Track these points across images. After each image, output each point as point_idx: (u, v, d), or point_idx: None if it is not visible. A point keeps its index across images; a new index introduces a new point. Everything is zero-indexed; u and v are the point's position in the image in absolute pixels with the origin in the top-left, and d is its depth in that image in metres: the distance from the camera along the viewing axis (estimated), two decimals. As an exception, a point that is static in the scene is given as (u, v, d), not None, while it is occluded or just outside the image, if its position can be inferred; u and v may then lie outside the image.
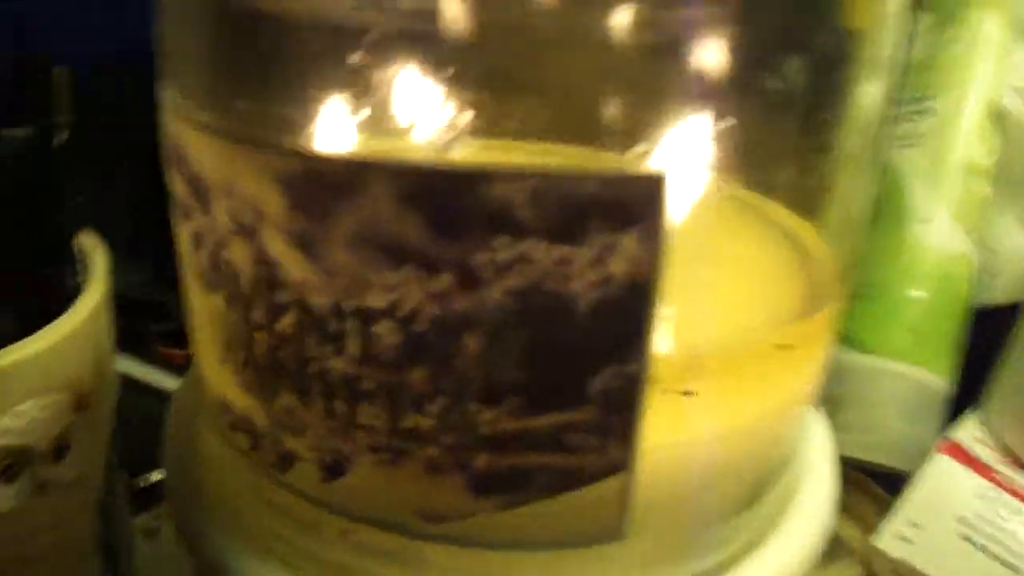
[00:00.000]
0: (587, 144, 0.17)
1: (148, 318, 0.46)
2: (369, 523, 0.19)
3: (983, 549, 0.32)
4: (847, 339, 0.38)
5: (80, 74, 0.28)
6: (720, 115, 0.18)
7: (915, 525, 0.34)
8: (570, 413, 0.17)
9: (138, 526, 0.37)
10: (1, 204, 0.29)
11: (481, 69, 0.16)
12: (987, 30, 0.39)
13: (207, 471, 0.24)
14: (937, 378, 0.38)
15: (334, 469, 0.19)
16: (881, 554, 0.34)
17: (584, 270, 0.16)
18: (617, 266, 0.16)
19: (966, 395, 0.38)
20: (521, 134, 0.17)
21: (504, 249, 0.16)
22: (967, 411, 0.37)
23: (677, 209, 0.17)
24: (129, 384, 0.42)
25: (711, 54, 0.18)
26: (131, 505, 0.34)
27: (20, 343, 0.26)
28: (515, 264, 0.16)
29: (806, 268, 0.23)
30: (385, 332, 0.17)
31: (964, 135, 0.38)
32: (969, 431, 0.36)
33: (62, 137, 0.27)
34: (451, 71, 0.16)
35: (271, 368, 0.19)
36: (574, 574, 0.20)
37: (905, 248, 0.38)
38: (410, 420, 0.18)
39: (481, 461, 0.18)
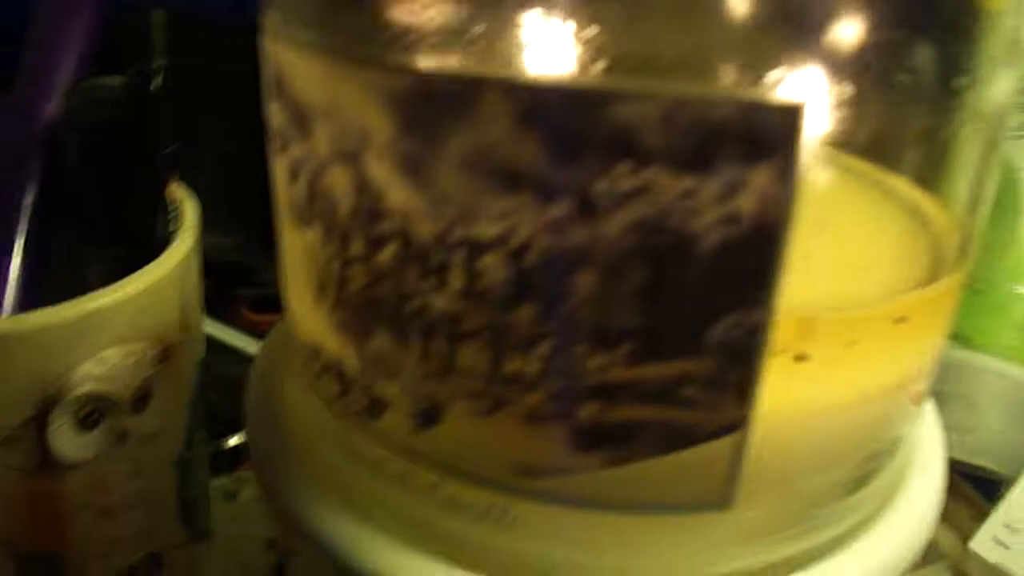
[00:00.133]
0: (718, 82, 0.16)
1: (235, 282, 0.46)
2: (460, 477, 0.18)
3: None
4: (952, 334, 0.36)
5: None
6: (848, 84, 0.17)
7: (1013, 530, 0.33)
8: (685, 363, 0.16)
9: (217, 488, 0.37)
10: (98, 151, 0.29)
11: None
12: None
13: (291, 425, 0.23)
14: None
15: (427, 417, 0.18)
16: (977, 558, 0.32)
17: (710, 204, 0.15)
18: (746, 202, 0.15)
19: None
20: (649, 61, 0.15)
21: (626, 177, 0.15)
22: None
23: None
24: (213, 347, 0.41)
25: (845, 25, 0.17)
26: (212, 466, 0.34)
27: (107, 289, 0.26)
28: (637, 194, 0.15)
29: (926, 239, 0.22)
30: (492, 265, 0.16)
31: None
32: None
33: (157, 82, 0.27)
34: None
35: (366, 306, 0.18)
36: (674, 542, 0.19)
37: (1016, 242, 0.37)
38: (513, 364, 0.17)
39: (587, 412, 0.17)
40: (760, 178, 0.15)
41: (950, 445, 0.36)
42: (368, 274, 0.18)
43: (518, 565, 0.19)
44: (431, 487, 0.19)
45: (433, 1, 0.16)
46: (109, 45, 0.30)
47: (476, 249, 0.16)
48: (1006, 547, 0.32)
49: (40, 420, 0.25)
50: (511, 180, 0.15)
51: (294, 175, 0.19)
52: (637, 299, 0.16)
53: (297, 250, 0.20)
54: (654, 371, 0.16)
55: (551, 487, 0.18)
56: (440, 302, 0.17)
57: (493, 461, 0.18)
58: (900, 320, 0.19)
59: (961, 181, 0.21)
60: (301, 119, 0.18)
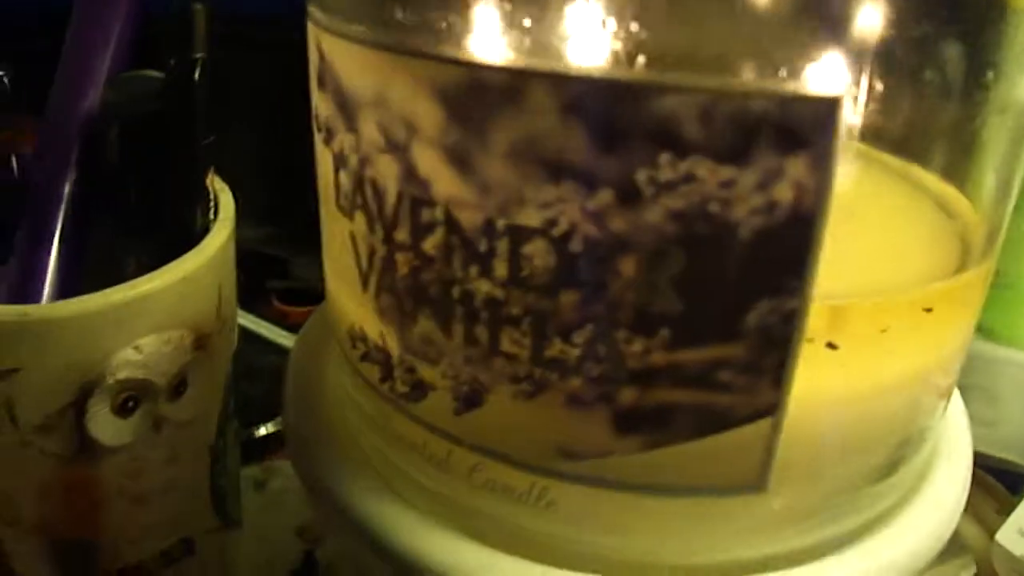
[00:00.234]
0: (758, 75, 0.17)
1: (266, 274, 0.46)
2: (500, 459, 0.19)
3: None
4: (977, 327, 0.36)
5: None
6: (878, 79, 0.18)
7: (1040, 523, 0.33)
8: (722, 348, 0.17)
9: (248, 477, 0.38)
10: (138, 142, 0.29)
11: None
12: None
13: (331, 412, 0.24)
14: (1069, 374, 0.36)
15: (470, 400, 0.18)
16: (1002, 551, 0.32)
17: (748, 194, 0.15)
18: (783, 192, 0.15)
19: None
20: (689, 54, 0.16)
21: (667, 167, 0.15)
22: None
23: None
24: (243, 337, 0.42)
25: (875, 20, 0.17)
26: (242, 456, 0.35)
27: (145, 277, 0.26)
28: (678, 183, 0.15)
29: (954, 231, 0.22)
30: (537, 252, 0.16)
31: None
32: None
33: (197, 74, 0.27)
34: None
35: (412, 292, 0.18)
36: (709, 525, 0.19)
37: (1040, 236, 0.37)
38: (555, 348, 0.17)
39: (626, 396, 0.17)
40: (797, 168, 0.15)
41: (975, 438, 0.36)
42: (413, 260, 0.18)
43: (555, 547, 0.19)
44: (471, 469, 0.19)
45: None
46: (149, 37, 0.31)
47: (521, 236, 0.16)
48: (1033, 541, 0.32)
49: (79, 406, 0.26)
50: (556, 169, 0.16)
51: (340, 165, 0.19)
52: (676, 285, 0.16)
53: (342, 237, 0.20)
54: (691, 356, 0.17)
55: (589, 470, 0.18)
56: (484, 288, 0.17)
57: (533, 444, 0.18)
58: (928, 309, 0.20)
59: (988, 174, 0.22)
60: (348, 110, 0.18)
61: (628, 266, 0.16)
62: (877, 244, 0.21)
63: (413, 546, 0.20)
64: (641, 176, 0.15)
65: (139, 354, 0.26)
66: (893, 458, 0.21)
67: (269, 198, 0.39)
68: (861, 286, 0.19)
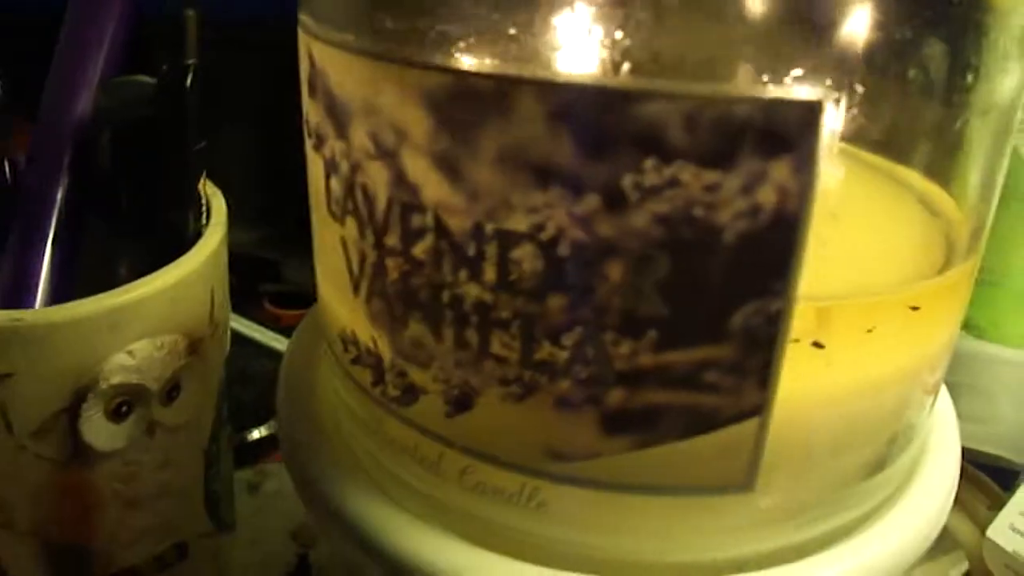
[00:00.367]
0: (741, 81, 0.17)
1: (258, 278, 0.46)
2: (491, 461, 0.19)
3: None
4: (967, 325, 0.37)
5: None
6: (866, 76, 0.18)
7: (1031, 518, 0.33)
8: (709, 350, 0.17)
9: (241, 480, 0.38)
10: (130, 147, 0.29)
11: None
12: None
13: (323, 415, 0.24)
14: (1058, 370, 0.36)
15: (460, 403, 0.19)
16: (994, 546, 0.33)
17: (732, 198, 0.15)
18: (766, 195, 0.16)
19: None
20: (674, 61, 0.16)
21: (653, 172, 0.15)
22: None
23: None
24: (236, 341, 0.42)
25: (858, 22, 0.17)
26: (235, 459, 0.35)
27: (138, 282, 0.26)
28: (663, 188, 0.15)
29: (939, 230, 0.22)
30: (525, 257, 0.16)
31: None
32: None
33: (189, 80, 0.27)
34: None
35: (402, 296, 0.18)
36: (697, 523, 0.19)
37: (1028, 235, 0.37)
38: (543, 351, 0.17)
39: (614, 397, 0.17)
40: (780, 172, 0.15)
41: (966, 435, 0.36)
42: (404, 265, 0.18)
43: (547, 547, 0.20)
44: (462, 472, 0.19)
45: (468, 2, 0.16)
46: (141, 40, 0.31)
47: (509, 241, 0.17)
48: (1023, 535, 0.32)
49: (72, 411, 0.26)
50: (543, 175, 0.16)
51: (331, 171, 0.19)
52: (662, 288, 0.16)
53: (333, 243, 0.20)
54: (678, 357, 0.17)
55: (579, 471, 0.18)
56: (473, 292, 0.17)
57: (523, 446, 0.18)
58: (915, 307, 0.20)
59: (972, 173, 0.22)
60: (338, 116, 0.19)
61: (615, 270, 0.16)
62: (863, 244, 0.22)
63: (405, 548, 0.20)
64: (627, 181, 0.16)
65: (132, 359, 0.26)
66: (881, 456, 0.21)
67: (261, 201, 0.39)
68: (848, 287, 0.19)
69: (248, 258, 0.44)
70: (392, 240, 0.18)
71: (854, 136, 0.19)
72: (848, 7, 0.17)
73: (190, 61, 0.27)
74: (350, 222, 0.19)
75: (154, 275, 0.26)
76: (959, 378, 0.36)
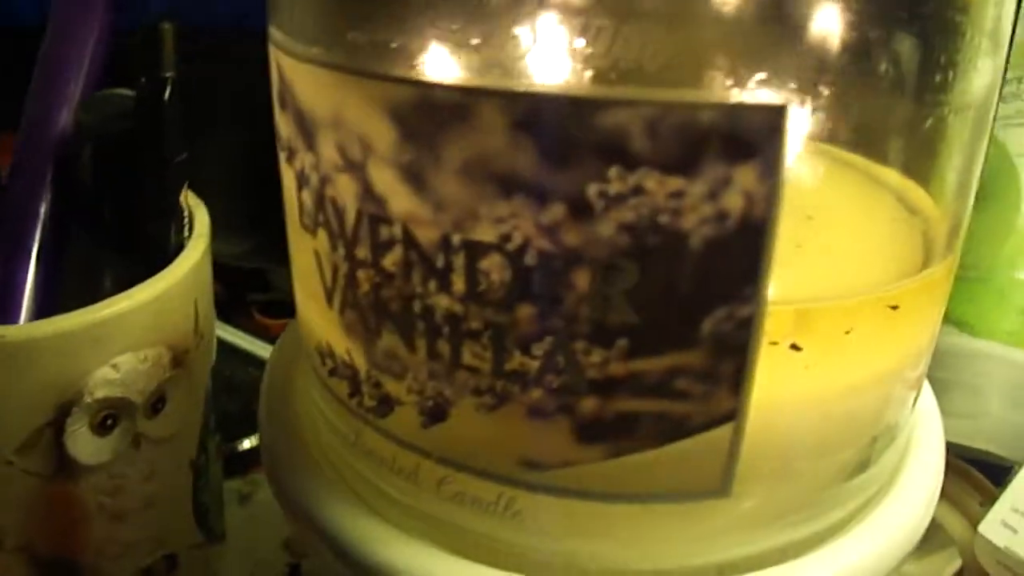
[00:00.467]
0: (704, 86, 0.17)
1: (247, 287, 0.46)
2: (468, 471, 0.19)
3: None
4: (953, 321, 0.37)
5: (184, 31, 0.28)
6: (834, 73, 0.18)
7: (1021, 513, 0.33)
8: (680, 356, 0.17)
9: (231, 490, 0.38)
10: (111, 160, 0.29)
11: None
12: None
13: (303, 425, 0.24)
14: (1046, 365, 0.36)
15: (435, 413, 0.18)
16: (986, 542, 0.33)
17: (698, 204, 0.15)
18: (732, 201, 0.15)
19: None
20: (637, 68, 0.16)
21: (617, 180, 0.15)
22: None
23: (791, 159, 0.17)
24: (227, 351, 0.42)
25: (828, 16, 0.17)
26: (225, 469, 0.35)
27: (120, 296, 0.26)
28: (627, 196, 0.15)
29: (917, 227, 0.22)
30: (493, 267, 0.16)
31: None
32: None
33: (167, 93, 0.27)
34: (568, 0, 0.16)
35: (374, 308, 0.18)
36: (675, 530, 0.19)
37: (1016, 229, 0.37)
38: (515, 361, 0.17)
39: (587, 406, 0.17)
40: (745, 177, 0.15)
41: (955, 432, 0.36)
42: (375, 277, 0.18)
43: (525, 556, 0.20)
44: (439, 482, 0.19)
45: (430, 15, 0.16)
46: (120, 57, 0.31)
47: (476, 251, 0.17)
48: (1014, 531, 0.32)
49: (57, 425, 0.26)
50: (508, 185, 0.16)
51: (302, 183, 0.19)
52: (631, 297, 0.16)
53: (307, 255, 0.20)
54: (650, 365, 0.17)
55: (554, 480, 0.18)
56: (444, 303, 0.17)
57: (498, 455, 0.18)
58: (894, 307, 0.20)
59: (949, 169, 0.22)
60: (307, 129, 0.19)
61: (582, 279, 0.16)
62: (841, 245, 0.22)
63: (385, 558, 0.20)
64: (591, 190, 0.15)
65: (116, 372, 0.26)
66: (863, 456, 0.21)
67: (250, 210, 0.39)
68: (826, 289, 0.20)
69: (236, 268, 0.44)
70: (362, 252, 0.18)
71: (829, 137, 0.19)
72: (815, 9, 0.17)
73: (167, 74, 0.27)
74: (322, 234, 0.19)
75: (136, 288, 0.26)
76: (947, 374, 0.36)
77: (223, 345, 0.39)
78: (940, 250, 0.22)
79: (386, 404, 0.19)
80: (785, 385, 0.19)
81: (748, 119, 0.15)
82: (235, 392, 0.36)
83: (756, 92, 0.16)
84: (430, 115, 0.16)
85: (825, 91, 0.17)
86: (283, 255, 0.23)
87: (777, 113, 0.15)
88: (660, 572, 0.20)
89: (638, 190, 0.15)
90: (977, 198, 0.35)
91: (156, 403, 0.28)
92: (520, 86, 0.16)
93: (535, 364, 0.17)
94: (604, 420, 0.17)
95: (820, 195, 0.21)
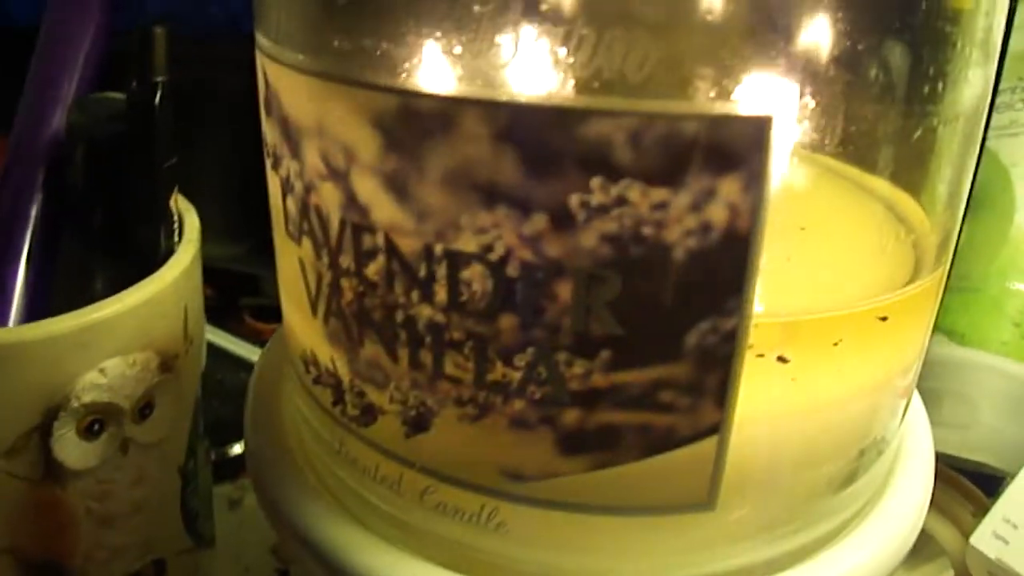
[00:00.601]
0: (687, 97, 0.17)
1: (239, 291, 0.46)
2: (450, 482, 0.19)
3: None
4: (947, 331, 0.37)
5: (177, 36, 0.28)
6: (823, 84, 0.18)
7: (1013, 525, 0.33)
8: (663, 369, 0.17)
9: (221, 495, 0.38)
10: (102, 164, 0.29)
11: (583, 7, 0.16)
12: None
13: (287, 431, 0.24)
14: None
15: (417, 423, 0.18)
16: (978, 553, 0.33)
17: (682, 215, 0.15)
18: (716, 212, 0.15)
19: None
20: (621, 78, 0.16)
21: (599, 191, 0.15)
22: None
23: (778, 169, 0.17)
24: (218, 355, 0.42)
25: (816, 27, 0.17)
26: (215, 474, 0.35)
27: (109, 300, 0.26)
28: (610, 207, 0.15)
29: (907, 238, 0.22)
30: (475, 277, 0.16)
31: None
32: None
33: (158, 97, 0.27)
34: (553, 9, 0.16)
35: (357, 317, 0.18)
36: (660, 542, 0.19)
37: (1009, 239, 0.37)
38: (497, 372, 0.17)
39: (569, 418, 0.17)
40: (730, 189, 0.15)
41: (948, 442, 0.36)
42: (358, 286, 0.18)
43: (508, 567, 0.19)
44: (422, 492, 0.19)
45: (414, 24, 0.16)
46: (112, 61, 0.31)
47: (458, 261, 0.16)
48: (1006, 542, 0.32)
49: (44, 429, 0.26)
50: (490, 195, 0.16)
51: (286, 191, 0.19)
52: (614, 308, 0.16)
53: (291, 263, 0.20)
54: (633, 377, 0.17)
55: (537, 491, 0.18)
56: (426, 313, 0.17)
57: (481, 466, 0.18)
58: (883, 318, 0.20)
59: (939, 181, 0.22)
60: (291, 137, 0.18)
61: (565, 290, 0.16)
62: (831, 257, 0.21)
63: (369, 567, 0.20)
64: (574, 201, 0.15)
65: (104, 377, 0.26)
66: (851, 468, 0.21)
67: (242, 214, 0.39)
68: (815, 301, 0.19)
69: (228, 272, 0.44)
70: (346, 261, 0.18)
71: (818, 148, 0.19)
72: (802, 20, 0.17)
73: (159, 78, 0.27)
74: (306, 243, 0.19)
75: (124, 293, 0.26)
76: (940, 384, 0.36)
77: (214, 349, 0.39)
78: (930, 261, 0.22)
79: (369, 413, 0.19)
80: (772, 397, 0.19)
81: (732, 130, 0.15)
82: (226, 396, 0.36)
83: (741, 103, 0.16)
84: (413, 124, 0.16)
85: (813, 102, 0.17)
86: (274, 260, 0.23)
87: (762, 124, 0.15)
88: (645, 584, 0.20)
89: (621, 201, 0.15)
90: (971, 208, 0.35)
91: (144, 408, 0.28)
92: (503, 96, 0.15)
93: (517, 375, 0.17)
94: (587, 432, 0.17)
95: (812, 206, 0.21)
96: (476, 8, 0.16)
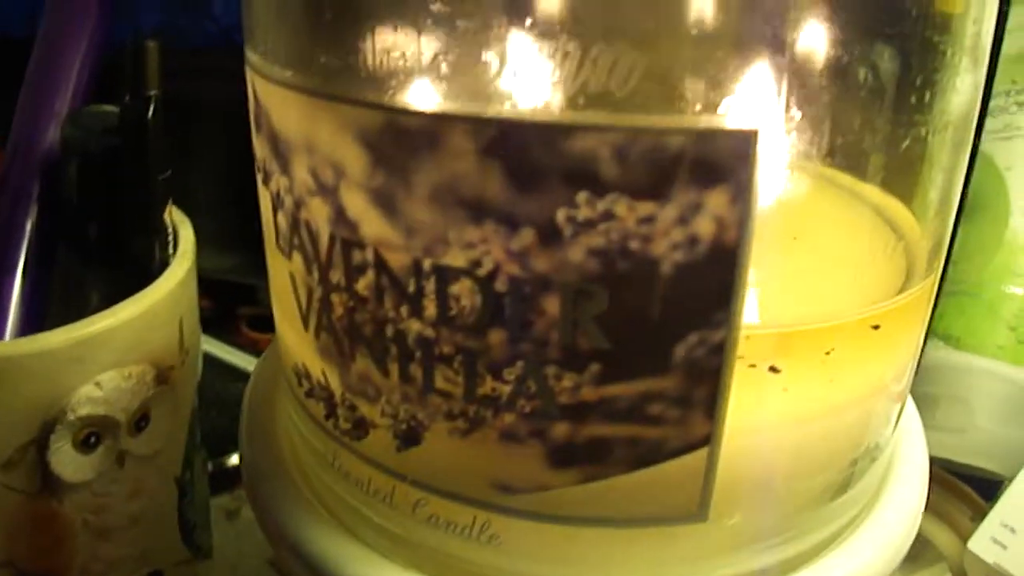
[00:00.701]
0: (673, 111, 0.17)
1: (236, 302, 0.46)
2: (442, 495, 0.19)
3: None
4: (943, 336, 0.37)
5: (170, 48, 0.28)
6: (812, 94, 0.18)
7: (1011, 529, 0.33)
8: (652, 382, 0.17)
9: (219, 506, 0.38)
10: (96, 177, 0.29)
11: (569, 22, 0.16)
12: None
13: (281, 444, 0.24)
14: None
15: (408, 437, 0.18)
16: (976, 558, 0.33)
17: (669, 229, 0.15)
18: (703, 227, 0.15)
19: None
20: (607, 94, 0.16)
21: (586, 206, 0.15)
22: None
23: (768, 181, 0.17)
24: (215, 366, 0.42)
25: (802, 39, 0.17)
26: (212, 485, 0.35)
27: (104, 313, 0.26)
28: (597, 221, 0.15)
29: (898, 245, 0.22)
30: (463, 292, 0.16)
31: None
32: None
33: (152, 111, 0.27)
34: (538, 24, 0.16)
35: (348, 331, 0.18)
36: (652, 554, 0.19)
37: (1004, 243, 0.37)
38: (487, 386, 0.17)
39: (559, 431, 0.17)
40: (716, 202, 0.15)
41: (945, 446, 0.36)
42: (348, 301, 0.18)
43: (500, 579, 0.19)
44: (414, 505, 0.19)
45: (400, 41, 0.16)
46: (105, 74, 0.31)
47: (447, 276, 0.16)
48: (1004, 547, 0.32)
49: (41, 443, 0.26)
50: (477, 211, 0.16)
51: (277, 205, 0.19)
52: (602, 322, 0.16)
53: (283, 277, 0.20)
54: (622, 390, 0.17)
55: (528, 504, 0.18)
56: (416, 327, 0.17)
57: (472, 479, 0.18)
58: (875, 327, 0.20)
59: (930, 188, 0.22)
60: (281, 153, 0.18)
61: (553, 304, 0.16)
62: (823, 266, 0.21)
63: (363, 580, 0.20)
64: (561, 216, 0.15)
65: (100, 390, 0.26)
66: (844, 477, 0.21)
67: (237, 225, 0.38)
68: (806, 311, 0.19)
69: (225, 282, 0.44)
70: (336, 276, 0.18)
71: (808, 158, 0.19)
72: (790, 32, 0.17)
73: (152, 92, 0.27)
74: (297, 257, 0.19)
75: (120, 306, 0.26)
76: (936, 389, 0.36)
77: (211, 360, 0.39)
78: (922, 268, 0.22)
79: (361, 427, 0.19)
80: (763, 408, 0.19)
81: (718, 144, 0.15)
82: (223, 407, 0.36)
83: (726, 117, 0.16)
84: (400, 140, 0.16)
85: (800, 114, 0.17)
86: (269, 272, 0.23)
87: (748, 138, 0.15)
88: (637, 595, 0.20)
89: (608, 215, 0.15)
90: (966, 212, 0.35)
91: (140, 420, 0.28)
92: (489, 112, 0.15)
93: (507, 389, 0.17)
94: (577, 445, 0.17)
95: (803, 216, 0.21)
96: (461, 24, 0.16)
